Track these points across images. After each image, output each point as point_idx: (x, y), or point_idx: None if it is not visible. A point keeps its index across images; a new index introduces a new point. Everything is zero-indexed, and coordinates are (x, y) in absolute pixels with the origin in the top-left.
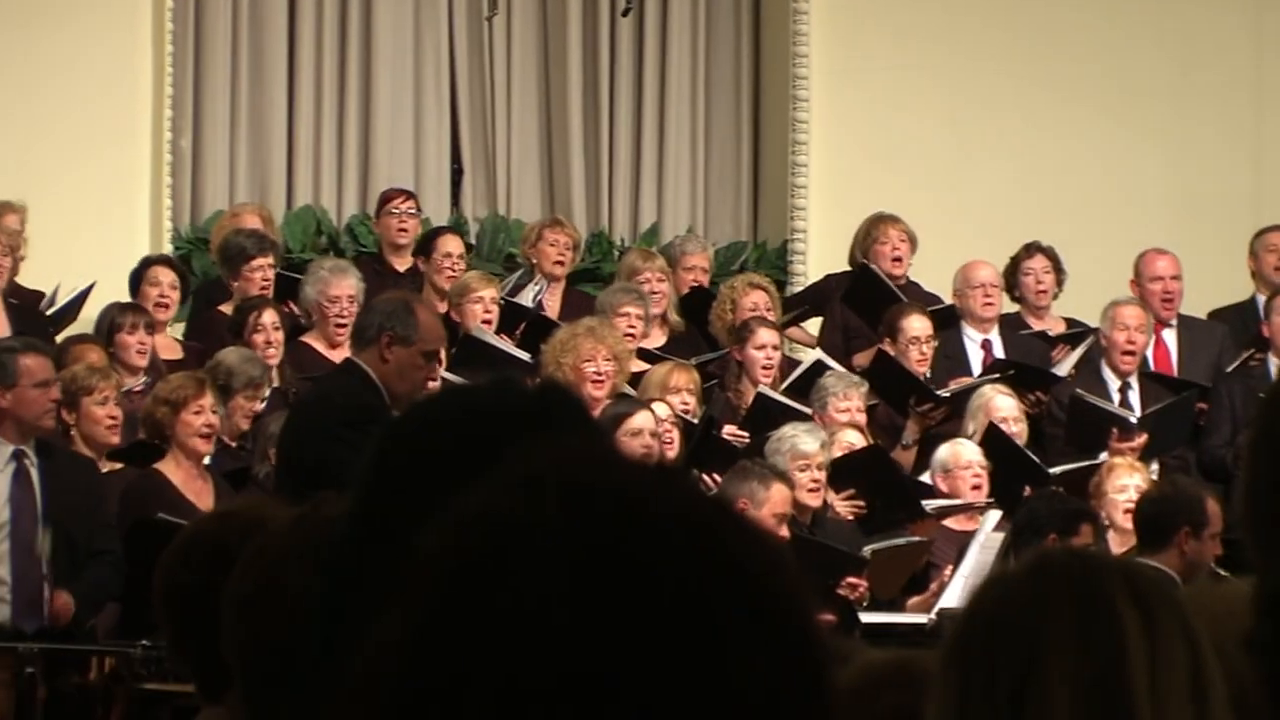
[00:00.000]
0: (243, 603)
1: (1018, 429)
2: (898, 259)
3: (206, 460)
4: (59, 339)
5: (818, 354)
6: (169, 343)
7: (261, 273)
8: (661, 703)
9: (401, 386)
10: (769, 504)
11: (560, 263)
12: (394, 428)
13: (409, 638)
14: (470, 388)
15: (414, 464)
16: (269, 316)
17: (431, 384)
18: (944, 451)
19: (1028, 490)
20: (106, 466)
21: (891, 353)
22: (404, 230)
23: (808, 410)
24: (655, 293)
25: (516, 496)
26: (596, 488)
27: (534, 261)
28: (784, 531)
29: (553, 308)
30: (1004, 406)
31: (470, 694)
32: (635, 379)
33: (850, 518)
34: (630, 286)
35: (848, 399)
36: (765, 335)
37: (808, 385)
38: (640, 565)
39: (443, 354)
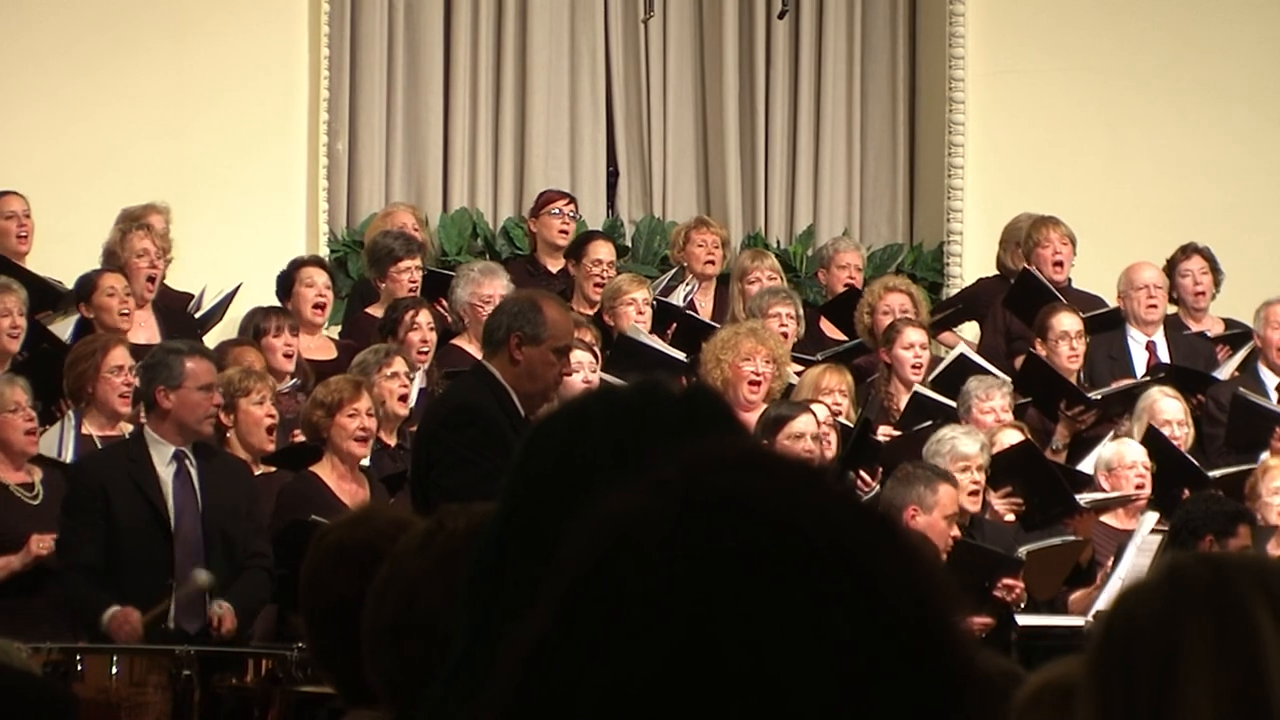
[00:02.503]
0: (385, 633)
1: (1182, 432)
2: (1059, 262)
3: (365, 461)
4: (206, 340)
5: (961, 349)
6: (324, 343)
7: (409, 274)
8: (781, 712)
9: (534, 386)
10: (938, 507)
11: (711, 262)
12: (539, 432)
13: (534, 643)
14: (616, 390)
15: (558, 468)
16: (424, 316)
17: (569, 380)
18: (1109, 450)
19: (1186, 493)
20: (259, 470)
21: (1042, 353)
22: (565, 232)
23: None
24: None
25: (642, 501)
26: (722, 492)
27: (685, 264)
28: (955, 532)
29: (705, 308)
30: (1168, 409)
31: (585, 701)
32: None
33: (1011, 517)
34: (778, 287)
35: (989, 399)
36: (912, 334)
37: (951, 380)
38: (760, 573)
39: (572, 349)
